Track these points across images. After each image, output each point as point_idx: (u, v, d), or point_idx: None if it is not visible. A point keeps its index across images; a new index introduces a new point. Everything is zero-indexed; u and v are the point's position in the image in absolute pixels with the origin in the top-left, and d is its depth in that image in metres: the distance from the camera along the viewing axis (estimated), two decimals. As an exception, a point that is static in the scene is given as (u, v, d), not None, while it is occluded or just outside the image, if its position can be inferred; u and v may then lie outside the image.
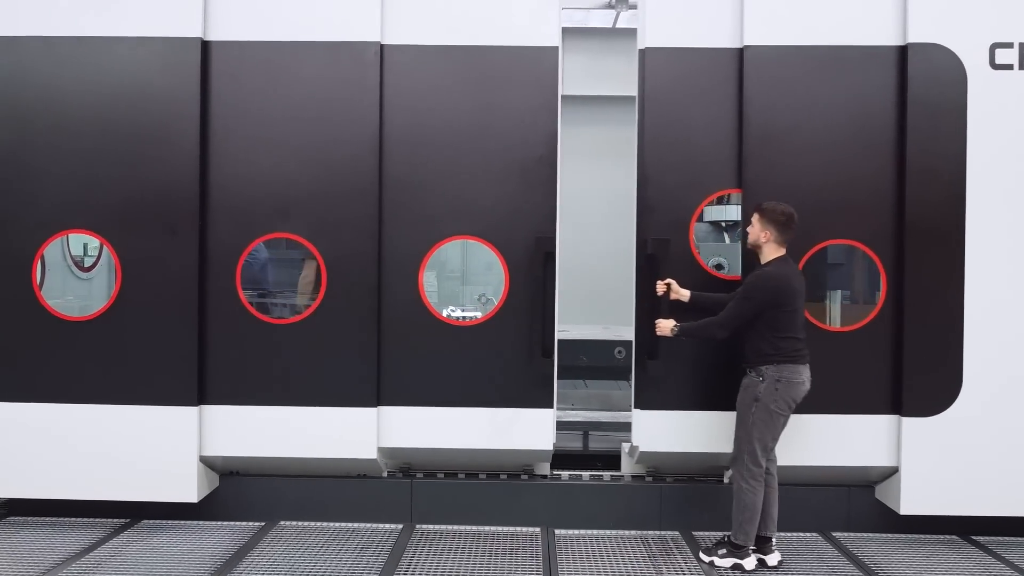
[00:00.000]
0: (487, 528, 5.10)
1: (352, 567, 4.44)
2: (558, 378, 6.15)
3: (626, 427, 5.54)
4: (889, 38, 4.83)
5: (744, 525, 4.42)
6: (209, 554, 4.60)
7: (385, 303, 4.95)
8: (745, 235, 4.70)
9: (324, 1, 4.90)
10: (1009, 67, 4.75)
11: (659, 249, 4.85)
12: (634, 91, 5.00)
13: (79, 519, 5.10)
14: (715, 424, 4.87)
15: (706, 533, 4.98)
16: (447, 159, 4.96)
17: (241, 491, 5.20)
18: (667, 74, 4.95)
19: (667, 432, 4.92)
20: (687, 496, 5.13)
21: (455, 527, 5.13)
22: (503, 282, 4.96)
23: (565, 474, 5.36)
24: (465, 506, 5.17)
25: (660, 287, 4.77)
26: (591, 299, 11.90)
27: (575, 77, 12.23)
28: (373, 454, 4.95)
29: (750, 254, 4.70)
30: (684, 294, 4.77)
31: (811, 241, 4.84)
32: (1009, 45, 4.74)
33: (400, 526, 5.12)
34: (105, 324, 4.86)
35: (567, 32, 11.81)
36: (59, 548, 4.65)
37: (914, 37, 4.76)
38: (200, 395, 4.90)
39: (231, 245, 4.91)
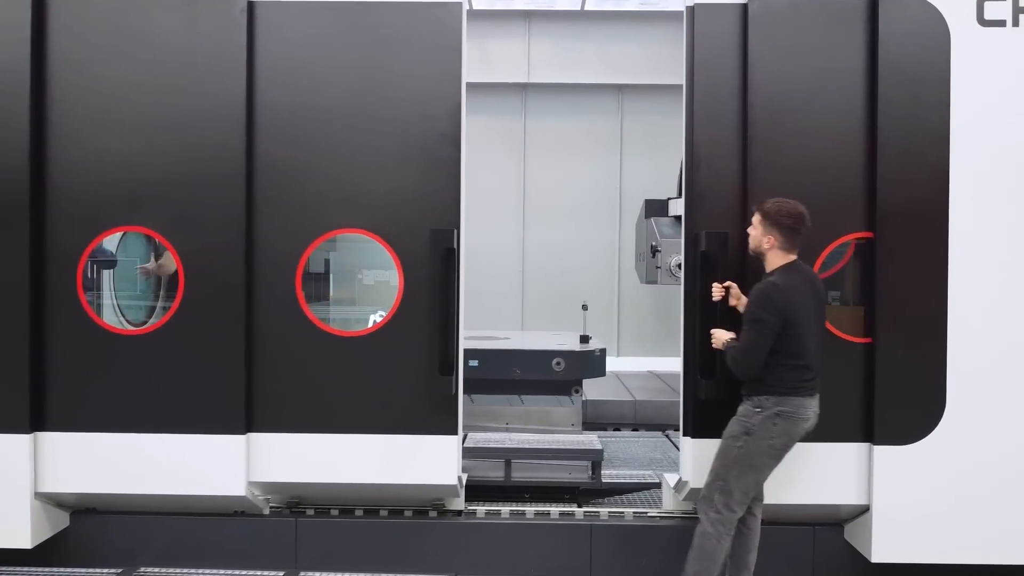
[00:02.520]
0: (384, 576, 4.30)
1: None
2: (490, 393, 5.39)
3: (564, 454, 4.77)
4: (857, -10, 4.02)
5: None
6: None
7: (257, 309, 4.15)
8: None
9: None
10: (1001, 23, 3.94)
11: (714, 245, 4.03)
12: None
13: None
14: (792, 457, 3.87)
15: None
16: (331, 137, 4.16)
17: (96, 531, 4.40)
18: (722, 34, 4.10)
19: None
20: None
21: (346, 575, 4.32)
22: (397, 284, 4.15)
23: (481, 510, 4.56)
24: (361, 550, 4.38)
25: (717, 291, 3.95)
26: (563, 303, 11.22)
27: (541, 64, 11.56)
28: (241, 490, 4.15)
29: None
30: (745, 301, 3.87)
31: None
32: (1002, -3, 3.93)
33: (281, 573, 4.32)
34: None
35: (532, 16, 11.33)
36: None
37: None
38: (35, 420, 4.09)
39: (71, 242, 4.10)
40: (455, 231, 4.07)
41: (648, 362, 11.34)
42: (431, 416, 4.14)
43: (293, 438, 4.17)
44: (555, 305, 11.44)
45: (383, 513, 4.49)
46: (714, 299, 3.96)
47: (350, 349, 4.16)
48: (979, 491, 3.94)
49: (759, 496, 3.84)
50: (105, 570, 4.34)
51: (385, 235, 4.14)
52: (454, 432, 4.16)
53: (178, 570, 4.35)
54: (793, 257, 3.72)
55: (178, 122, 4.10)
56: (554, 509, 4.55)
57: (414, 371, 4.12)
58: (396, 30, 4.15)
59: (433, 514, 4.50)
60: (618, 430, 7.59)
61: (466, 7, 4.17)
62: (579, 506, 4.75)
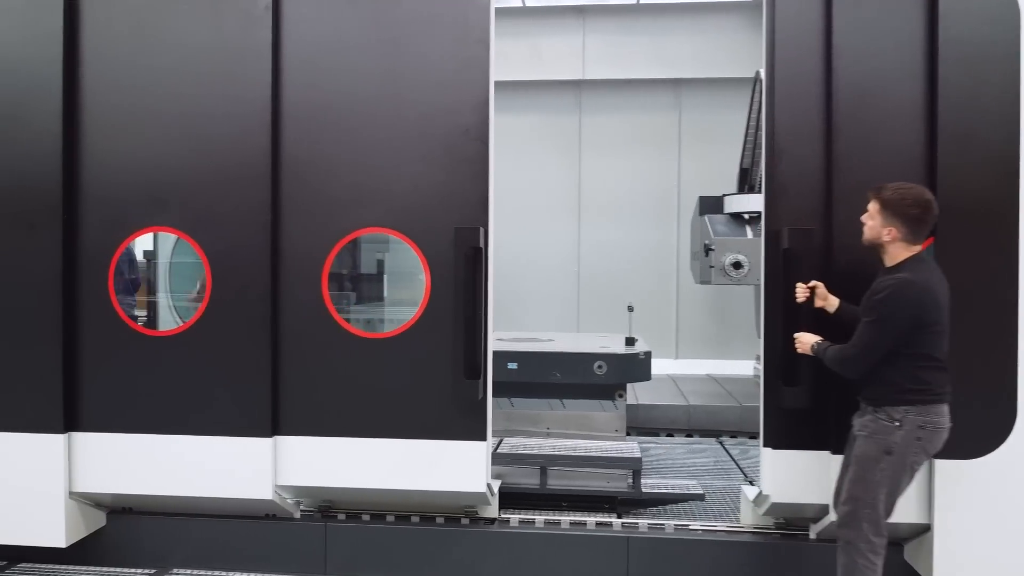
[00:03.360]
0: (412, 585, 4.18)
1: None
2: (530, 397, 5.25)
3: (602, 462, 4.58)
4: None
5: None
6: (63, 614, 3.83)
7: (283, 310, 4.08)
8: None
9: (207, -54, 4.06)
10: (1079, -4, 3.56)
11: (798, 242, 3.72)
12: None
13: (-49, 560, 4.41)
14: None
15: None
16: (355, 134, 4.06)
17: (131, 531, 4.41)
18: (804, 15, 3.83)
19: (807, 478, 3.83)
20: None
21: (376, 582, 4.22)
22: (424, 284, 4.03)
23: (515, 518, 4.39)
24: (390, 556, 4.27)
25: (801, 292, 3.63)
26: (619, 304, 10.94)
27: (595, 60, 11.33)
28: (268, 494, 4.09)
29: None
30: (833, 302, 3.61)
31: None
32: (1079, -33, 3.56)
33: (310, 579, 4.25)
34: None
35: (586, 11, 11.12)
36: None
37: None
38: (68, 421, 4.12)
39: (102, 243, 4.12)
40: (481, 229, 3.91)
41: (708, 365, 11.00)
42: (458, 421, 4.00)
43: (319, 442, 4.09)
44: (611, 306, 11.13)
45: (414, 519, 4.37)
46: (798, 300, 3.63)
47: (376, 351, 4.05)
48: (1056, 510, 3.58)
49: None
50: (139, 570, 4.35)
51: (411, 234, 4.02)
52: (482, 438, 4.01)
53: (210, 572, 4.32)
54: (918, 249, 3.32)
55: (204, 122, 4.06)
56: (590, 519, 4.35)
57: (440, 374, 3.98)
58: (421, 24, 4.03)
59: (465, 521, 4.36)
60: (671, 436, 7.34)
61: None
62: (618, 516, 4.55)
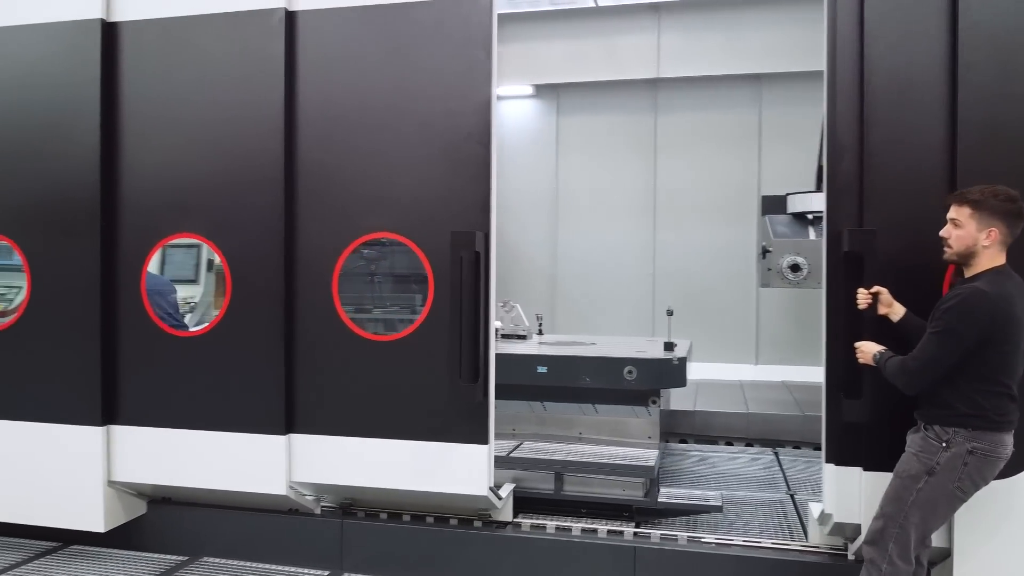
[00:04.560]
0: (422, 585, 4.24)
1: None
2: (562, 401, 5.24)
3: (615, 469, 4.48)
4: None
5: None
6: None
7: (296, 313, 4.23)
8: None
9: (226, -34, 4.26)
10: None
11: (862, 244, 3.52)
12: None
13: (13, 540, 4.80)
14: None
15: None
16: (363, 140, 4.16)
17: (169, 520, 4.69)
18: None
19: (871, 498, 3.50)
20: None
21: (386, 580, 4.31)
22: (427, 288, 4.07)
23: (527, 523, 4.37)
24: (403, 555, 4.34)
25: (863, 298, 3.40)
26: (696, 307, 10.68)
27: (671, 58, 11.07)
28: (283, 489, 4.24)
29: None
30: (898, 310, 3.36)
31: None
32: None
33: (326, 572, 4.37)
34: (14, 334, 4.50)
35: (661, 8, 10.91)
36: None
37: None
38: (106, 414, 4.42)
39: (136, 249, 4.40)
40: (478, 233, 3.91)
41: (789, 371, 10.52)
42: (460, 424, 4.02)
43: (330, 440, 4.21)
44: (688, 309, 10.89)
45: (429, 520, 4.42)
46: (860, 307, 3.41)
47: (381, 353, 4.13)
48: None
49: (929, 545, 3.24)
50: (174, 557, 4.60)
51: (415, 238, 4.08)
52: (484, 441, 4.01)
53: (236, 562, 4.53)
54: (1004, 258, 3.07)
55: (224, 132, 4.26)
56: (602, 527, 4.27)
57: (443, 377, 4.01)
58: (426, 32, 4.07)
59: (478, 524, 4.37)
60: (729, 444, 7.08)
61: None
62: (637, 525, 4.45)
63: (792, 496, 5.15)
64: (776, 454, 6.37)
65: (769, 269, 6.79)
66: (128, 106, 4.40)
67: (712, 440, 7.14)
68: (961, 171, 3.38)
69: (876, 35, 3.60)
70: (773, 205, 7.29)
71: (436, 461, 4.06)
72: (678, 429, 7.15)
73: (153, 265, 4.42)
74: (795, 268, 6.59)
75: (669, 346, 5.61)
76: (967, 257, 3.11)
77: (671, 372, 5.24)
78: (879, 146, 3.60)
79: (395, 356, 4.11)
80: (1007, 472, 3.29)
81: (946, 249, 3.16)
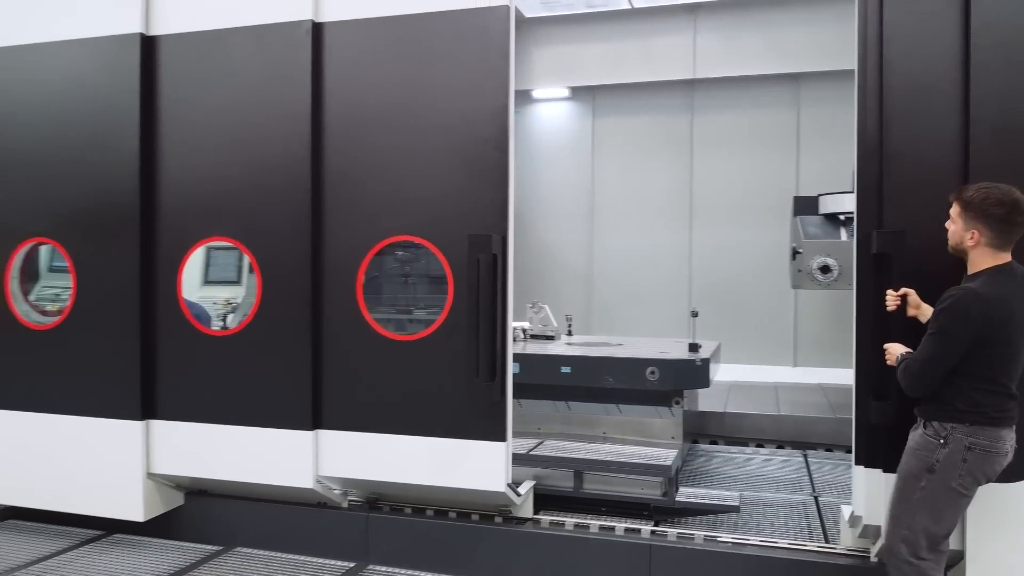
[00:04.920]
0: (442, 578, 4.36)
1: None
2: (586, 401, 5.32)
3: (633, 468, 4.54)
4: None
5: None
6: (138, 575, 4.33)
7: (323, 313, 4.39)
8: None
9: (257, -19, 4.45)
10: None
11: (890, 246, 3.51)
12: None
13: (62, 527, 5.06)
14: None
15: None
16: (387, 147, 4.29)
17: (205, 511, 4.90)
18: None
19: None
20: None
21: (408, 571, 4.43)
22: (447, 289, 4.19)
23: (546, 519, 4.46)
24: (426, 549, 4.47)
25: (892, 300, 3.40)
26: (732, 309, 10.63)
27: (707, 58, 11.03)
28: (310, 483, 4.41)
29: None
30: (926, 311, 3.30)
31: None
32: None
33: (352, 564, 4.53)
34: (59, 334, 4.76)
35: (697, 9, 10.88)
36: (15, 554, 4.63)
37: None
38: (145, 409, 4.64)
39: (172, 252, 4.61)
40: (495, 236, 4.01)
41: (828, 374, 10.38)
42: (479, 422, 4.12)
43: (355, 436, 4.36)
44: (724, 310, 10.86)
45: (451, 515, 4.54)
46: (888, 309, 3.41)
47: (403, 353, 4.26)
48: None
49: (944, 548, 3.18)
50: (210, 546, 4.81)
51: (436, 241, 4.20)
52: (501, 439, 4.11)
53: (267, 552, 4.71)
54: (1006, 257, 3.06)
55: (254, 140, 4.45)
56: (620, 525, 4.33)
57: (461, 376, 4.12)
58: (445, 39, 4.19)
59: (498, 519, 4.48)
60: (760, 446, 7.06)
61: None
62: (656, 524, 4.50)
63: (816, 498, 5.14)
64: (805, 456, 6.34)
65: (799, 270, 6.75)
66: (165, 115, 4.62)
67: (742, 442, 7.12)
68: (973, 171, 3.37)
69: (894, 38, 3.61)
70: (805, 206, 7.25)
71: (455, 457, 4.17)
72: (708, 431, 7.14)
73: (198, 266, 4.63)
74: (825, 269, 6.54)
75: (694, 347, 5.64)
76: (962, 253, 3.13)
77: (694, 373, 5.28)
78: (899, 148, 3.60)
79: (416, 355, 4.23)
80: (1016, 476, 3.28)
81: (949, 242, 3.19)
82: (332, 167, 4.37)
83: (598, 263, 11.63)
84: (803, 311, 10.78)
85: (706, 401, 7.34)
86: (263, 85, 4.44)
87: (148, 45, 4.61)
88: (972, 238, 3.05)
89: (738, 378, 9.09)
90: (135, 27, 4.58)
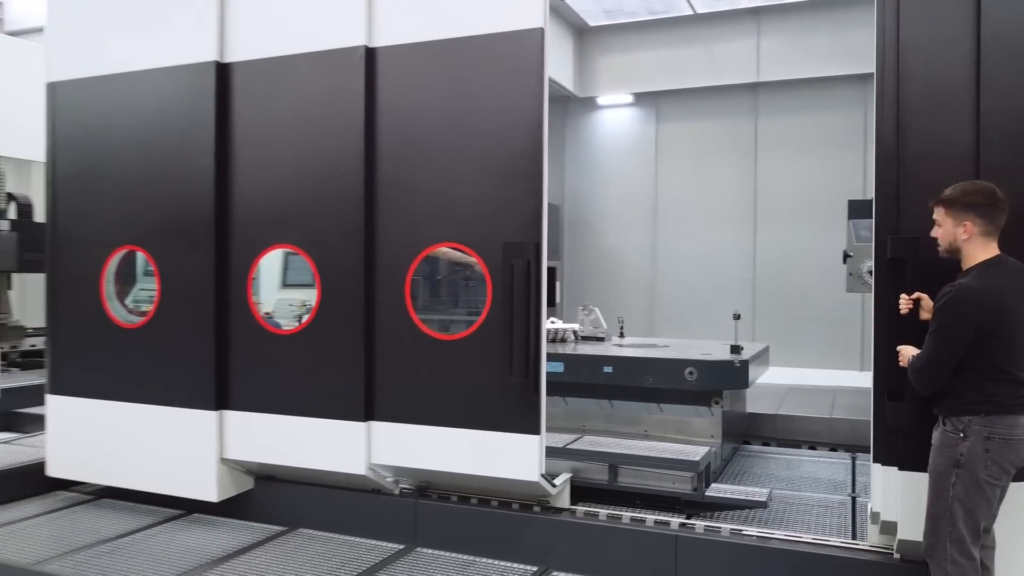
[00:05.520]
0: (482, 560, 4.67)
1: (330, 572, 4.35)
2: (628, 400, 5.54)
3: (663, 463, 4.75)
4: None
5: None
6: (211, 550, 4.80)
7: (376, 314, 4.78)
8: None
9: (316, 13, 4.88)
10: None
11: (904, 251, 3.69)
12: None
13: (148, 507, 5.61)
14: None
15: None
16: (433, 160, 4.65)
17: (272, 495, 5.36)
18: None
19: (917, 498, 3.57)
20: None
21: (452, 554, 4.77)
22: (486, 292, 4.51)
23: (581, 510, 4.72)
24: (469, 534, 4.79)
25: (904, 303, 3.57)
26: (797, 312, 10.60)
27: (772, 61, 11.02)
28: (363, 470, 4.80)
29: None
30: None
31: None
32: None
33: (402, 546, 4.90)
34: (146, 332, 5.31)
35: (761, 12, 10.90)
36: (108, 528, 5.19)
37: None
38: (219, 400, 5.14)
39: (244, 258, 5.09)
40: (528, 243, 4.31)
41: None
42: (514, 416, 4.42)
43: (404, 428, 4.73)
44: (788, 314, 10.85)
45: (494, 504, 4.85)
46: (901, 311, 3.57)
47: (447, 351, 4.60)
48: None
49: (991, 543, 3.36)
50: (275, 527, 5.26)
51: (476, 248, 4.52)
52: (536, 432, 4.40)
53: (327, 534, 5.12)
54: (995, 249, 3.23)
55: (313, 155, 4.88)
56: (650, 517, 4.55)
57: (499, 373, 4.43)
58: (483, 60, 4.51)
59: (536, 509, 4.76)
60: (813, 448, 7.11)
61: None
62: (688, 517, 4.69)
63: (854, 498, 5.22)
64: (853, 459, 6.37)
65: (851, 274, 6.77)
66: (238, 134, 5.11)
67: (795, 444, 7.19)
68: (984, 177, 3.46)
69: (910, 47, 3.74)
70: (859, 209, 7.22)
71: (493, 449, 4.48)
72: (761, 432, 7.23)
73: (277, 270, 5.09)
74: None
75: (736, 349, 5.79)
76: (955, 252, 3.28)
77: (732, 374, 5.43)
78: (916, 155, 3.73)
79: (458, 353, 4.57)
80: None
81: (938, 248, 3.34)
82: (383, 180, 4.76)
83: (661, 267, 11.76)
84: (870, 315, 10.65)
85: (760, 403, 7.44)
86: (322, 105, 4.87)
87: (222, 71, 5.11)
88: (965, 231, 3.22)
89: (801, 381, 9.09)
90: (211, 56, 5.09)
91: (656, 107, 11.86)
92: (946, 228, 3.30)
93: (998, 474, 3.16)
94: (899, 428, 3.67)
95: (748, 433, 7.04)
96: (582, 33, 11.71)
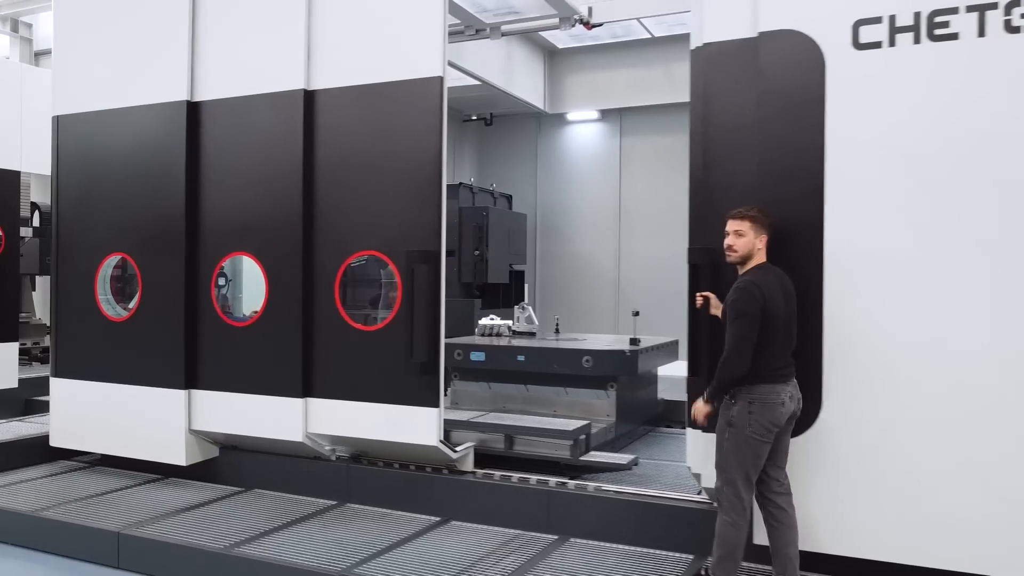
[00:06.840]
0: (398, 512, 5.67)
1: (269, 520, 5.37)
2: (541, 385, 6.48)
3: (546, 432, 5.72)
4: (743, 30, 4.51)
5: (723, 561, 4.03)
6: (178, 503, 5.85)
7: (312, 310, 5.81)
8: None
9: (267, 61, 5.93)
10: (876, 45, 4.14)
11: (698, 258, 4.66)
12: None
13: (134, 472, 6.68)
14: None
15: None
16: (357, 182, 5.68)
17: (235, 462, 6.40)
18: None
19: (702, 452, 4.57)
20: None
21: (375, 508, 5.77)
22: (397, 292, 5.52)
23: (480, 472, 5.70)
24: (389, 491, 5.79)
25: (698, 300, 4.50)
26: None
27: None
28: (300, 437, 5.82)
29: None
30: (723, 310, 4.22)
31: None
32: (877, 20, 4.14)
33: (335, 502, 5.91)
34: (130, 325, 6.39)
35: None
36: (97, 487, 6.26)
37: (765, 26, 4.38)
38: (188, 380, 6.19)
39: (208, 262, 6.15)
40: (429, 251, 5.34)
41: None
42: (417, 392, 5.43)
43: (333, 403, 5.75)
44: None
45: (411, 468, 5.85)
46: (697, 305, 4.51)
47: (366, 340, 5.62)
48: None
49: (785, 489, 4.16)
50: (235, 488, 6.30)
51: (390, 255, 5.54)
52: (435, 405, 5.40)
53: (275, 492, 6.15)
54: (764, 257, 4.13)
55: (265, 179, 5.93)
56: (533, 477, 5.52)
57: (407, 358, 5.44)
58: (400, 101, 5.53)
59: (445, 472, 5.75)
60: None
61: (445, 80, 5.38)
62: (571, 479, 5.65)
63: (720, 468, 6.12)
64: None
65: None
66: (205, 160, 6.17)
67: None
68: (761, 202, 4.40)
69: (713, 97, 4.66)
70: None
71: (403, 419, 5.49)
72: (676, 417, 8.12)
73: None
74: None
75: (634, 341, 6.73)
76: (747, 259, 4.16)
77: (623, 362, 6.39)
78: (717, 183, 4.65)
79: (376, 341, 5.58)
80: (799, 430, 4.26)
81: (730, 255, 4.20)
82: (320, 200, 5.79)
83: (625, 269, 12.68)
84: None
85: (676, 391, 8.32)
86: (273, 136, 5.92)
87: (192, 109, 6.18)
88: (762, 241, 4.13)
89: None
90: (183, 95, 6.16)
91: (620, 122, 12.79)
92: (748, 239, 4.13)
93: (760, 431, 4.01)
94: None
95: (664, 417, 7.94)
96: (552, 55, 12.66)
